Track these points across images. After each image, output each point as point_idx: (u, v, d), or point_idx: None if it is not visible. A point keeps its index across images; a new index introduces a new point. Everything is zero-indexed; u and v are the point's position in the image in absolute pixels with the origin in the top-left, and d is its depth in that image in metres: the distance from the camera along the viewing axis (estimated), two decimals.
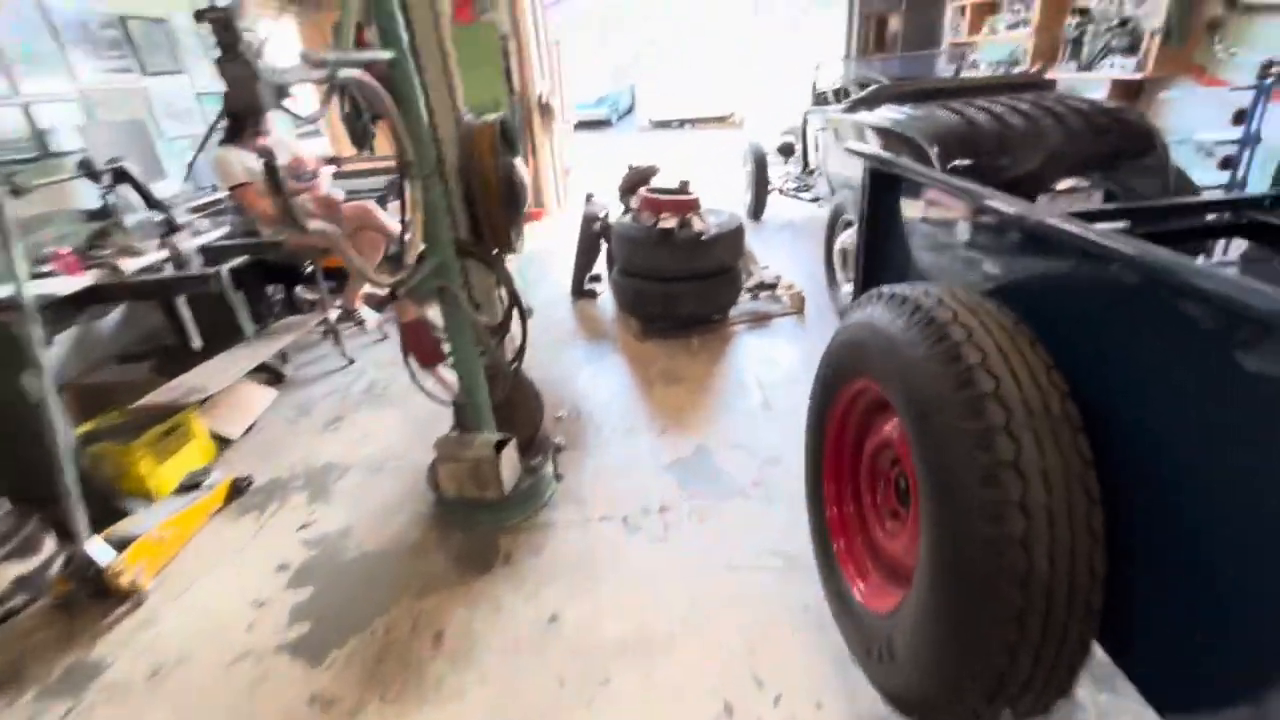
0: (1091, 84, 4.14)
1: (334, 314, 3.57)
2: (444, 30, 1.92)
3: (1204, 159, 3.46)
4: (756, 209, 5.63)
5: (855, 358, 1.39)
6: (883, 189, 1.64)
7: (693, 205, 3.22)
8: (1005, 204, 1.20)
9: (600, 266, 4.13)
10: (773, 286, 3.61)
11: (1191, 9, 3.46)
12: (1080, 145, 2.79)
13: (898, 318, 1.26)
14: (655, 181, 3.97)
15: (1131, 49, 3.92)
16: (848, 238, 3.26)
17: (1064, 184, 2.70)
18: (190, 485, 2.30)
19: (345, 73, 1.36)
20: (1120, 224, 1.81)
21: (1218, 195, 2.84)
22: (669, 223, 3.09)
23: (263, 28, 4.92)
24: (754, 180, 5.49)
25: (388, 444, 2.63)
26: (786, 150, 5.65)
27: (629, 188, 3.87)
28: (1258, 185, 3.20)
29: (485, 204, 1.97)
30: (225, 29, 1.04)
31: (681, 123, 13.77)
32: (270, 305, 3.72)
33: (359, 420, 2.86)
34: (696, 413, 2.68)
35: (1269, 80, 2.96)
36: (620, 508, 2.15)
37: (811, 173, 4.86)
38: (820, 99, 4.52)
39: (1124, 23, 4.01)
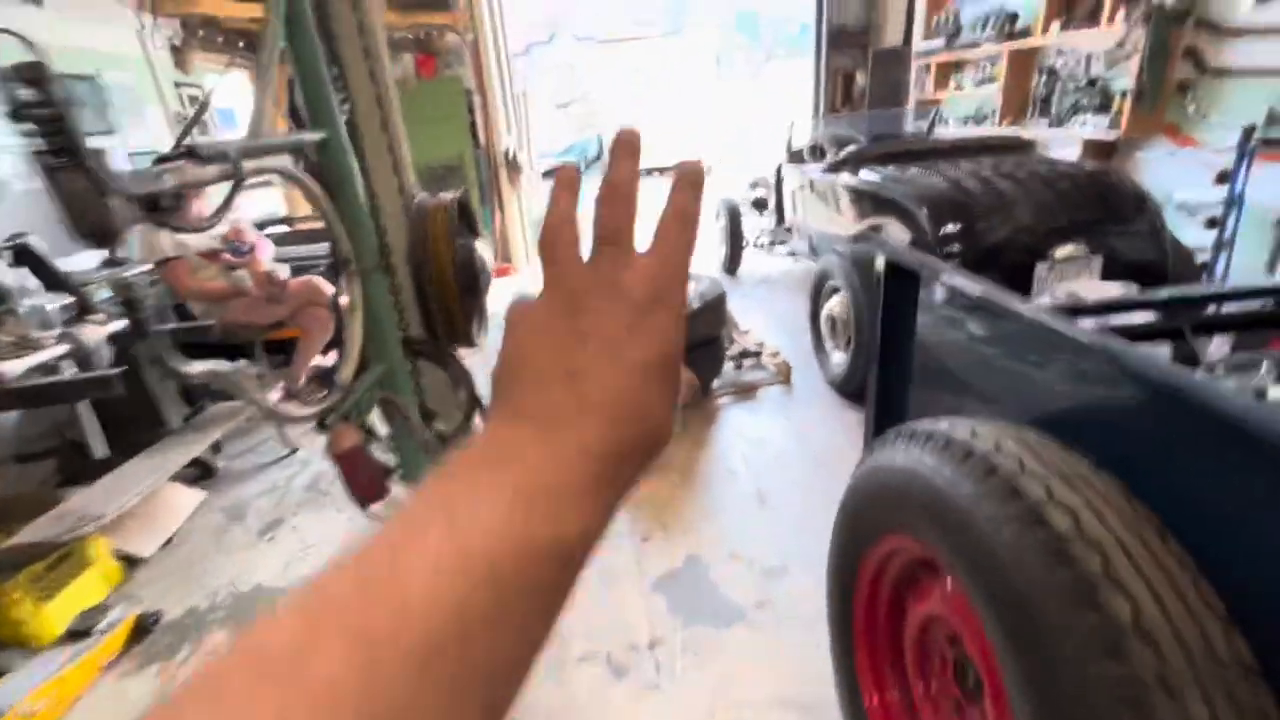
0: (1063, 141, 4.12)
1: (276, 395, 3.22)
2: (390, 101, 1.68)
3: (1187, 219, 3.40)
4: (732, 264, 5.49)
5: (888, 510, 1.15)
6: (901, 289, 1.42)
7: None
8: (1078, 333, 0.98)
9: None
10: (757, 354, 3.40)
11: (1163, 72, 3.46)
12: (1073, 209, 2.67)
13: (943, 464, 1.02)
14: None
15: (1103, 108, 3.92)
16: (835, 304, 3.07)
17: (1062, 251, 2.56)
18: (81, 631, 1.90)
19: (260, 164, 1.09)
20: (1151, 315, 1.63)
21: (1260, 280, 2.74)
22: None
23: (209, 82, 4.66)
24: (728, 235, 5.36)
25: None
26: (760, 204, 5.55)
27: None
28: (1246, 246, 3.14)
29: (440, 294, 1.71)
30: (45, 111, 0.70)
31: (649, 171, 13.80)
32: (206, 385, 3.35)
33: (300, 525, 2.49)
34: (685, 510, 2.40)
35: (1252, 145, 2.92)
36: (603, 642, 1.83)
37: (788, 229, 4.73)
38: (796, 156, 4.43)
39: (1092, 82, 4.03)
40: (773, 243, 5.40)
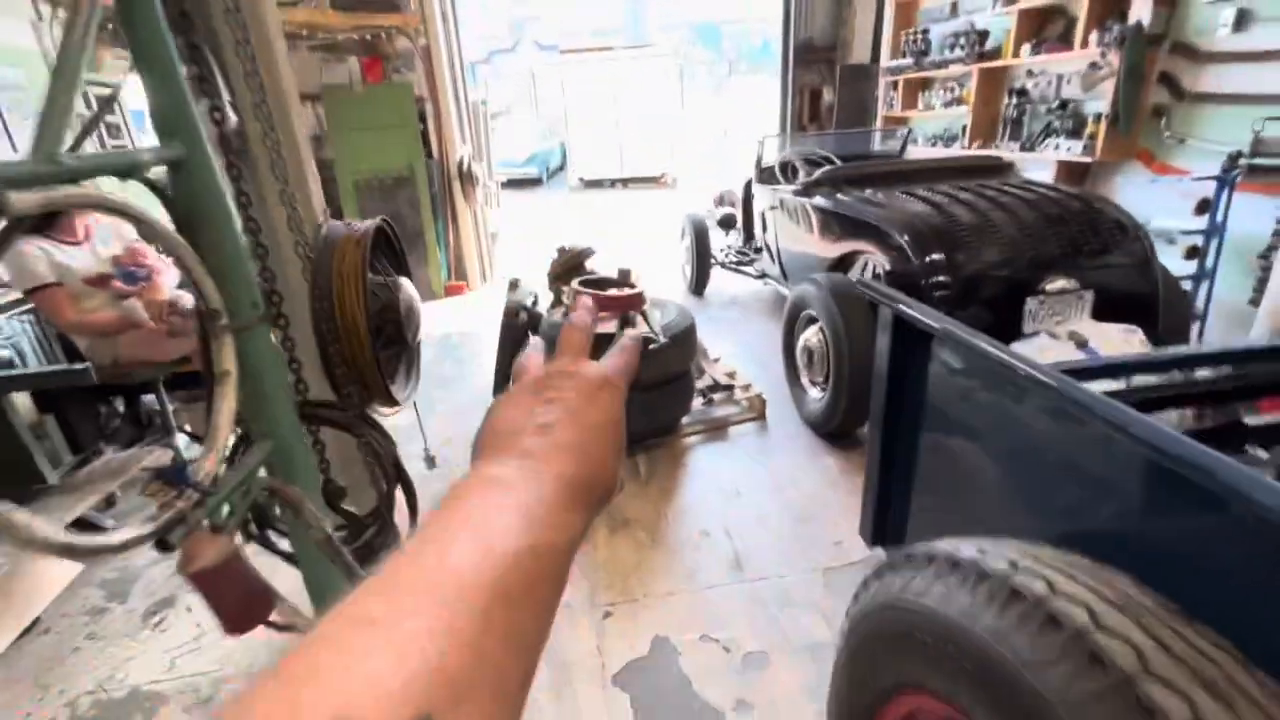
0: (1035, 165, 4.03)
1: (182, 441, 2.82)
2: (286, 108, 1.37)
3: (1165, 247, 3.30)
4: (698, 284, 5.26)
5: (900, 662, 0.89)
6: (909, 353, 1.18)
7: (637, 303, 2.72)
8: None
9: None
10: (729, 388, 3.15)
11: (1137, 96, 3.37)
12: (1062, 237, 2.50)
13: (972, 601, 0.78)
14: (592, 264, 3.49)
15: (1075, 131, 3.83)
16: (811, 336, 2.85)
17: (1054, 284, 2.39)
18: None
19: (49, 196, 0.76)
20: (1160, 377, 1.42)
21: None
22: (609, 326, 2.57)
23: (123, 80, 4.20)
24: (694, 254, 5.13)
25: (226, 654, 1.90)
26: (727, 223, 5.34)
27: (560, 274, 3.36)
28: (1227, 276, 3.05)
29: (350, 347, 1.39)
30: None
31: (613, 182, 13.62)
32: (104, 426, 2.92)
33: (196, 604, 2.10)
34: (651, 578, 2.11)
35: (1235, 172, 2.82)
36: None
37: (758, 250, 4.53)
38: (766, 174, 4.23)
39: (1064, 105, 3.95)
40: (740, 262, 5.20)
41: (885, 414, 1.33)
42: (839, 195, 3.11)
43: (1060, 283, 2.40)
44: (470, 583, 0.26)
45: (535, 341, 0.48)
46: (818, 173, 3.28)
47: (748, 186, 5.07)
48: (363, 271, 1.38)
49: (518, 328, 3.39)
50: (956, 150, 4.76)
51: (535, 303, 3.60)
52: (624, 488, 0.50)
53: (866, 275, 2.88)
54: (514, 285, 3.51)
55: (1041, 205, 2.63)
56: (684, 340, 2.73)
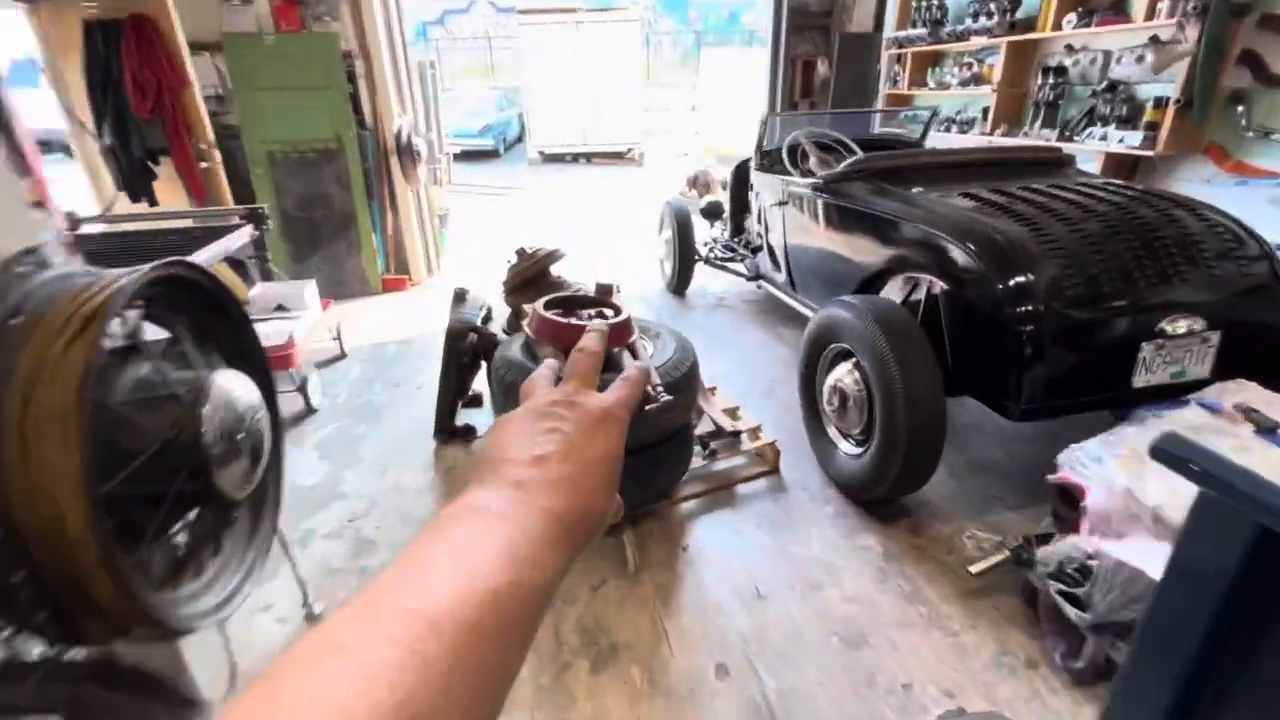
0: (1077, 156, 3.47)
1: None
2: None
3: None
4: (680, 283, 4.58)
5: None
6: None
7: (623, 336, 2.03)
8: None
9: (481, 382, 2.83)
10: (734, 434, 2.50)
11: (1214, 78, 2.83)
12: (1173, 258, 1.93)
13: None
14: (559, 270, 2.77)
15: (1128, 119, 3.28)
16: (844, 375, 2.22)
17: (1178, 325, 1.82)
18: None
19: None
20: None
21: None
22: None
23: None
24: (676, 249, 4.44)
25: None
26: (713, 212, 4.67)
27: (519, 285, 2.64)
28: None
29: (58, 548, 0.67)
30: None
31: (575, 156, 12.71)
32: None
33: None
34: None
35: None
36: None
37: (755, 249, 3.87)
38: (768, 159, 3.55)
39: (1113, 87, 3.39)
40: (725, 259, 4.54)
41: (1202, 647, 0.69)
42: (874, 192, 2.47)
43: (1185, 322, 1.83)
44: (447, 617, 0.26)
45: (548, 363, 0.47)
46: (846, 163, 2.62)
47: (738, 172, 4.39)
48: (91, 384, 0.66)
49: (465, 352, 2.66)
50: (976, 137, 4.17)
51: (488, 318, 2.87)
52: (621, 513, 0.41)
53: (916, 298, 2.27)
54: (460, 297, 2.76)
55: (1141, 214, 2.04)
56: (687, 384, 2.07)
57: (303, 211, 4.58)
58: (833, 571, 1.99)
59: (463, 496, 0.34)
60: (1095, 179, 2.43)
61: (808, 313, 3.21)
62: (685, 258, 4.45)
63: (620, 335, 2.06)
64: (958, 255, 2.03)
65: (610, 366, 2.09)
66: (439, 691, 0.23)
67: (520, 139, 14.39)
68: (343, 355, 3.69)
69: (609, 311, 2.30)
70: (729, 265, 4.56)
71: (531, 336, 2.07)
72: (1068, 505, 1.64)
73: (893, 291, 2.42)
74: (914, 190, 2.35)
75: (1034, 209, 2.09)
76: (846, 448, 2.29)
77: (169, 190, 4.26)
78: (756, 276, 4.03)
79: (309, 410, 3.04)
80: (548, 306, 2.23)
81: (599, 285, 2.32)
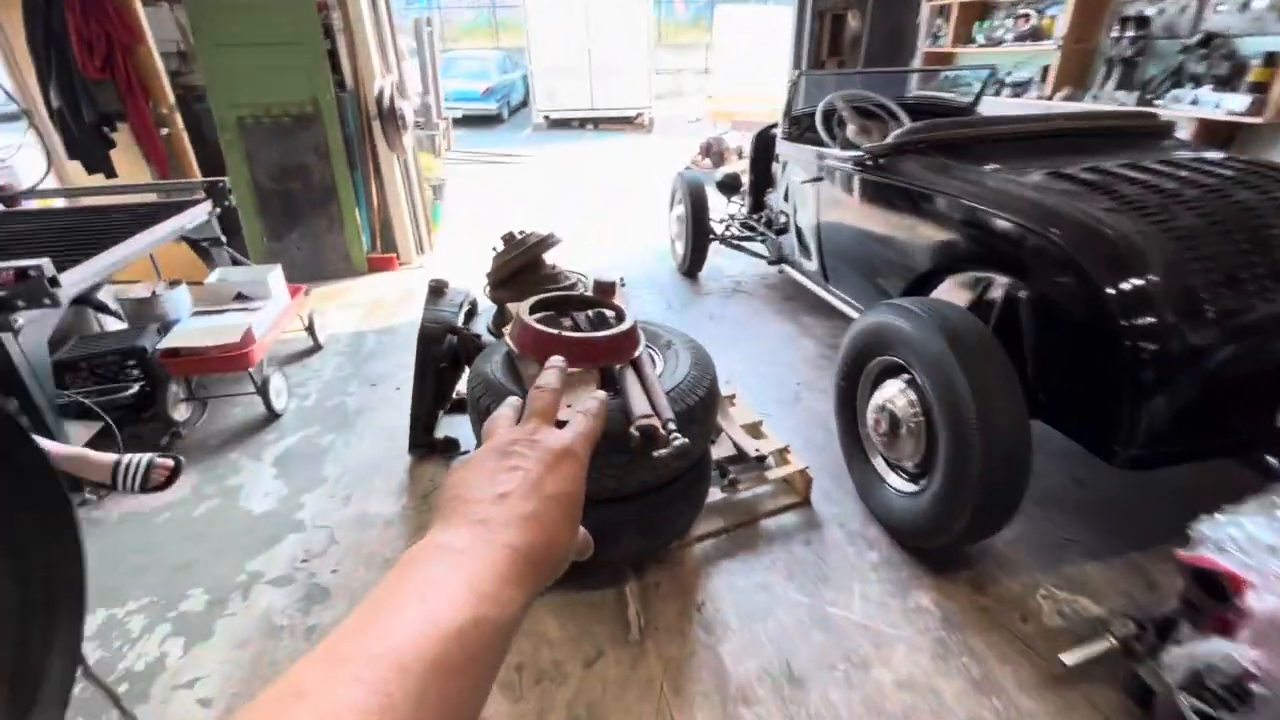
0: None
1: None
2: None
3: None
4: (693, 264, 4.15)
5: None
6: None
7: (625, 350, 1.64)
8: None
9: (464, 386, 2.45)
10: (760, 459, 2.11)
11: None
12: None
13: None
14: (552, 259, 2.35)
15: (1227, 80, 2.78)
16: (896, 395, 1.82)
17: None
18: None
19: None
20: None
21: None
22: (575, 392, 1.49)
23: None
24: (689, 227, 3.99)
25: None
26: (730, 186, 4.20)
27: (505, 278, 2.23)
28: None
29: None
30: None
31: (582, 122, 12.10)
32: None
33: None
34: None
35: None
36: None
37: (780, 230, 3.42)
38: (798, 126, 3.08)
39: (1207, 41, 2.87)
40: (743, 238, 4.10)
41: None
42: (934, 169, 2.03)
43: None
44: (410, 656, 0.27)
45: (510, 401, 0.49)
46: (898, 133, 2.16)
47: (760, 141, 3.92)
48: None
49: (442, 356, 2.27)
50: (1031, 102, 3.65)
51: (472, 312, 2.47)
52: (590, 551, 0.46)
53: (988, 302, 1.84)
54: (437, 290, 2.36)
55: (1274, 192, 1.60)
56: (704, 415, 1.67)
57: (278, 184, 4.16)
58: (882, 643, 1.62)
59: (427, 536, 0.36)
60: (1214, 154, 1.97)
61: (843, 308, 2.79)
62: (699, 237, 4.01)
63: (622, 348, 1.66)
64: (1051, 251, 1.60)
65: (608, 384, 1.50)
66: None
67: (525, 103, 13.75)
68: (317, 347, 3.31)
69: (609, 312, 1.91)
70: (747, 245, 4.12)
71: (514, 349, 1.68)
72: (1208, 593, 1.24)
73: (953, 292, 2.00)
74: (987, 167, 1.90)
75: (1148, 192, 1.65)
76: (897, 482, 1.90)
77: (130, 161, 3.85)
78: (779, 260, 3.59)
79: (271, 416, 2.68)
80: (537, 308, 1.83)
81: (598, 283, 1.91)
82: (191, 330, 2.55)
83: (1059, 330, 1.62)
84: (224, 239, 3.08)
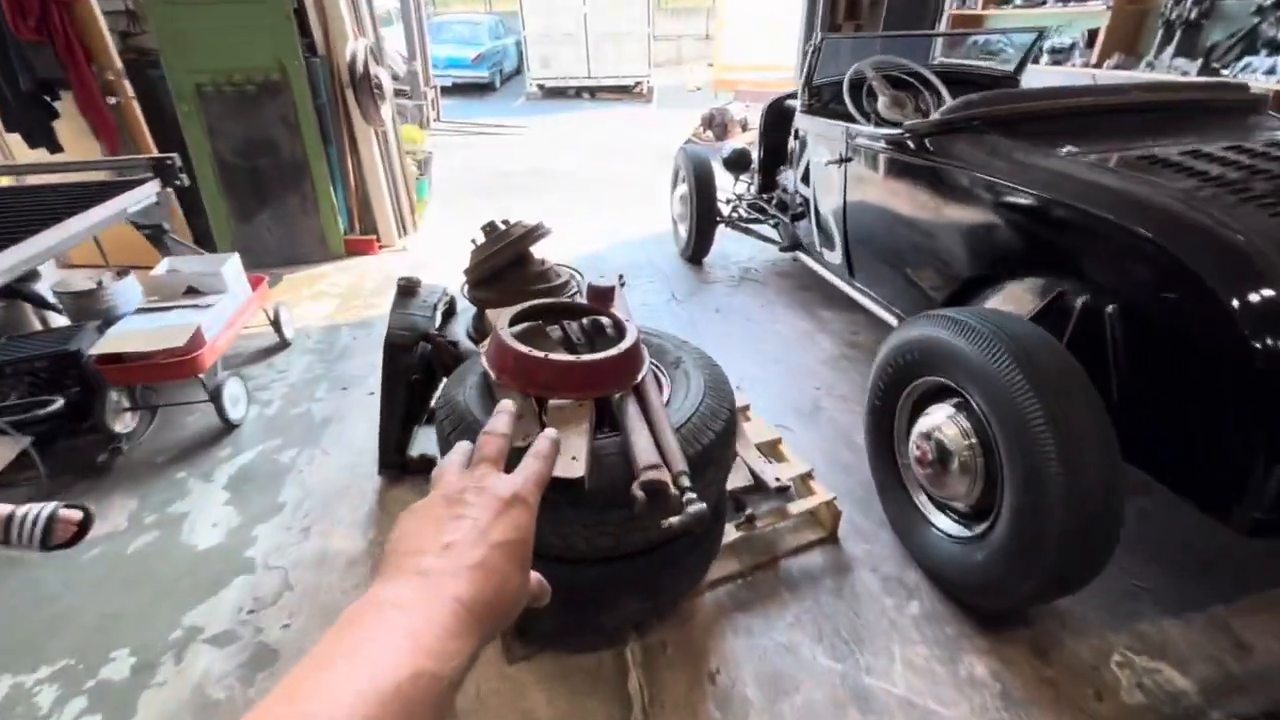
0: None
1: None
2: None
3: None
4: (697, 249, 3.82)
5: None
6: None
7: (622, 376, 1.34)
8: None
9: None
10: (784, 490, 1.83)
11: None
12: None
13: None
14: (540, 252, 2.03)
15: None
16: (943, 423, 1.54)
17: None
18: None
19: None
20: None
21: None
22: (573, 469, 1.18)
23: None
24: (694, 208, 3.66)
25: None
26: (739, 163, 3.86)
27: (483, 278, 1.91)
28: None
29: None
30: None
31: (578, 91, 11.59)
32: None
33: None
34: None
35: None
36: None
37: (795, 215, 3.09)
38: (819, 98, 2.73)
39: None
40: (752, 220, 3.77)
41: None
42: (992, 152, 1.70)
43: None
44: (344, 715, 0.27)
45: (461, 446, 0.49)
46: (947, 107, 1.83)
47: (771, 113, 3.57)
48: None
49: (414, 367, 1.98)
50: (1077, 69, 3.30)
51: (449, 313, 2.17)
52: (547, 598, 0.45)
53: (1058, 311, 1.54)
54: (407, 290, 2.05)
55: None
56: (721, 455, 1.38)
57: (244, 160, 3.80)
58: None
59: (369, 592, 0.35)
60: None
61: (872, 307, 2.48)
62: (705, 219, 3.67)
63: (622, 373, 1.34)
64: (1154, 255, 1.29)
65: (605, 421, 1.12)
66: None
67: (518, 71, 13.18)
68: (284, 344, 3.00)
69: (605, 321, 1.60)
70: (756, 228, 3.79)
71: (491, 375, 1.38)
72: None
73: (1011, 301, 1.69)
74: (1061, 150, 1.58)
75: (1267, 182, 1.34)
76: (945, 525, 1.62)
77: (77, 135, 3.48)
78: (793, 247, 3.27)
79: (227, 427, 2.39)
80: (520, 319, 1.52)
81: (594, 289, 1.60)
82: (131, 332, 2.24)
83: (1162, 354, 1.32)
84: (167, 226, 2.74)
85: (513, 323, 1.49)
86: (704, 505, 1.09)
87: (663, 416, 1.30)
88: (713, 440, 1.33)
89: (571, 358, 1.31)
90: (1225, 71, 2.68)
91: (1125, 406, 1.38)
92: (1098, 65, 3.19)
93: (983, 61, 3.51)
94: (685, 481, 1.14)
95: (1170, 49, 2.91)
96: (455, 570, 0.36)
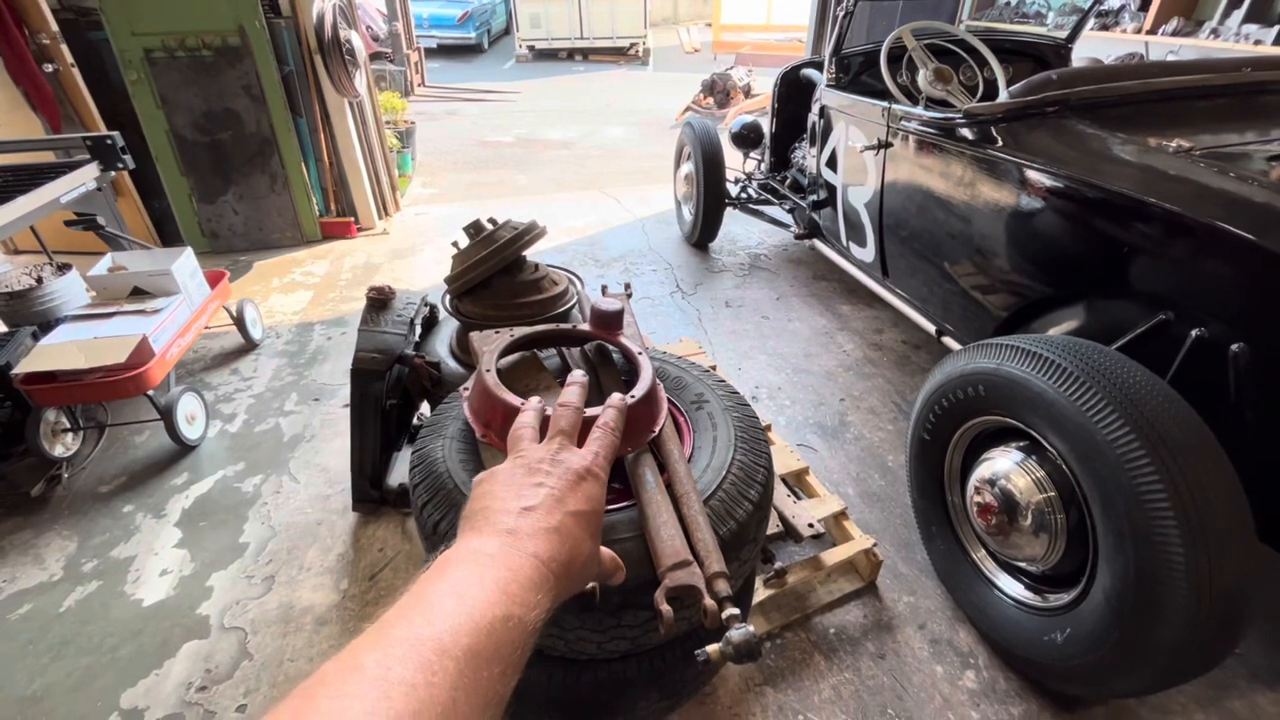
0: None
1: None
2: None
3: None
4: (704, 234, 3.52)
5: None
6: None
7: (645, 426, 1.08)
8: None
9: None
10: (817, 536, 1.59)
11: None
12: None
13: None
14: (535, 255, 1.74)
15: None
16: (1006, 467, 1.30)
17: None
18: None
19: None
20: None
21: None
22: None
23: None
24: (702, 189, 3.35)
25: None
26: (749, 139, 3.54)
27: (468, 286, 1.63)
28: None
29: None
30: None
31: (570, 53, 11.02)
32: None
33: None
34: None
35: None
36: None
37: (815, 202, 2.79)
38: (847, 70, 2.40)
39: None
40: (761, 201, 3.47)
41: None
42: (1077, 145, 1.42)
43: None
44: (449, 644, 0.31)
45: (532, 404, 0.56)
46: (1019, 88, 1.52)
47: (787, 84, 3.24)
48: None
49: (389, 392, 1.71)
50: (1129, 35, 2.98)
51: (428, 326, 1.89)
52: (622, 577, 0.51)
53: (1155, 344, 1.28)
54: (379, 303, 1.76)
55: None
56: (757, 530, 1.13)
57: (204, 134, 3.44)
58: None
59: (458, 542, 0.40)
60: None
61: (907, 310, 2.22)
62: (713, 201, 3.37)
63: (638, 425, 1.09)
64: None
65: (613, 476, 0.94)
66: (445, 705, 0.28)
67: (507, 31, 12.53)
68: (250, 346, 2.72)
69: (609, 346, 1.30)
70: (766, 210, 3.50)
71: (477, 431, 1.09)
72: None
73: (1093, 324, 1.43)
74: (1169, 145, 1.30)
75: None
76: (1012, 589, 1.39)
77: (13, 108, 3.11)
78: (810, 235, 2.98)
79: (182, 449, 2.12)
80: (510, 351, 1.23)
81: (598, 312, 1.32)
82: (63, 345, 1.95)
83: None
84: (102, 220, 2.42)
85: (506, 352, 1.23)
86: (751, 629, 0.83)
87: (690, 487, 1.04)
88: (748, 514, 1.08)
89: (567, 407, 1.04)
90: None
91: (1262, 474, 1.13)
92: (1152, 31, 2.86)
93: (1020, 26, 3.17)
94: (725, 589, 0.89)
95: (1239, 13, 2.58)
96: (534, 531, 0.41)
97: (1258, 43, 2.48)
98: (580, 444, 0.52)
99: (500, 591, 0.35)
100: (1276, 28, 2.47)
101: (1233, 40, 2.56)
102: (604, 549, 0.48)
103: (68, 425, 2.08)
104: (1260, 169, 1.19)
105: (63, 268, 2.40)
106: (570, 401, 0.54)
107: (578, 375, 0.56)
